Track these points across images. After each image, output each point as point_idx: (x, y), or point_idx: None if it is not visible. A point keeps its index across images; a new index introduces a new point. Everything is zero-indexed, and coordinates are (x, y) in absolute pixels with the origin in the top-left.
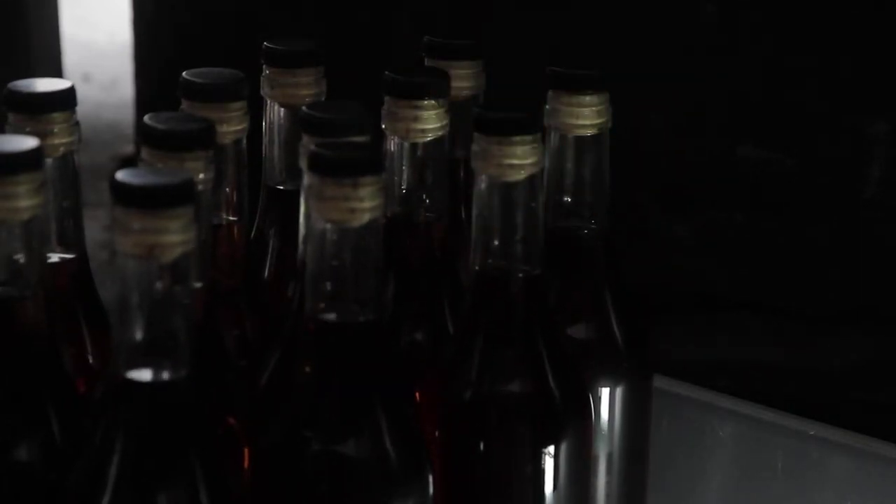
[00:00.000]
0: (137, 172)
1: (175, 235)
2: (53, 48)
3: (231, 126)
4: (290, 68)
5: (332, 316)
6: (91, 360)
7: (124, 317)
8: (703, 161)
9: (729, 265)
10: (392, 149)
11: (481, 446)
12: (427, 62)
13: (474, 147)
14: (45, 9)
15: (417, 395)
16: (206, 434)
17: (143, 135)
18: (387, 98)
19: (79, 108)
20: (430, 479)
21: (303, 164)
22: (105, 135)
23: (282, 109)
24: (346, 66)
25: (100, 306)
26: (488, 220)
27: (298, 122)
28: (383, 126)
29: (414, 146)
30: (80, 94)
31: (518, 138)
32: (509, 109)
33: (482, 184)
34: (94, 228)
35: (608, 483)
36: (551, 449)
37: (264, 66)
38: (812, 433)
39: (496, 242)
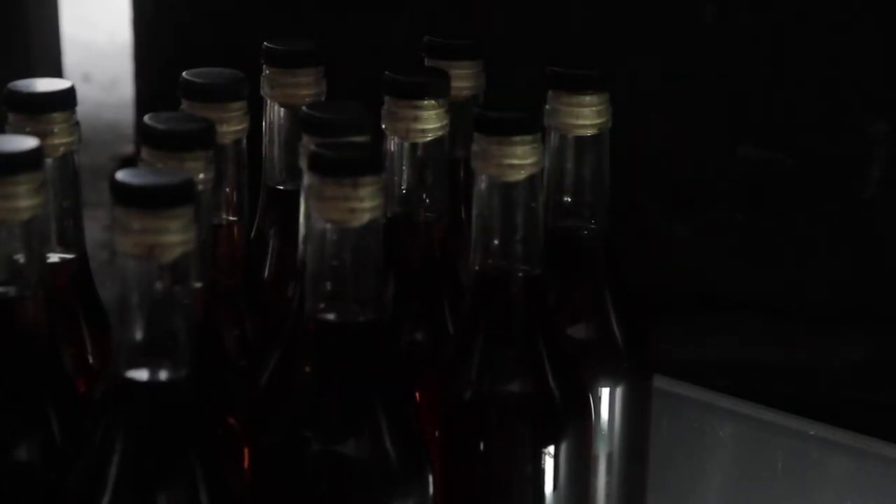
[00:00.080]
0: (137, 172)
1: (175, 235)
2: (53, 48)
3: (231, 126)
4: (290, 68)
5: (332, 316)
6: (91, 360)
7: (124, 317)
8: (703, 161)
9: (729, 265)
10: (392, 149)
11: (481, 446)
12: (427, 62)
13: (474, 147)
14: (45, 9)
15: (417, 395)
16: (206, 434)
17: (143, 135)
18: (387, 98)
19: (79, 108)
20: (430, 479)
21: (303, 164)
22: (105, 135)
23: (282, 109)
24: (346, 66)
25: (100, 306)
26: (488, 220)
27: (298, 122)
28: (383, 126)
29: (414, 146)
30: (80, 94)
31: (518, 138)
32: (509, 109)
33: (482, 184)
34: (94, 228)
35: (608, 483)
36: (551, 449)
37: (264, 66)
38: (812, 433)
39: (496, 242)
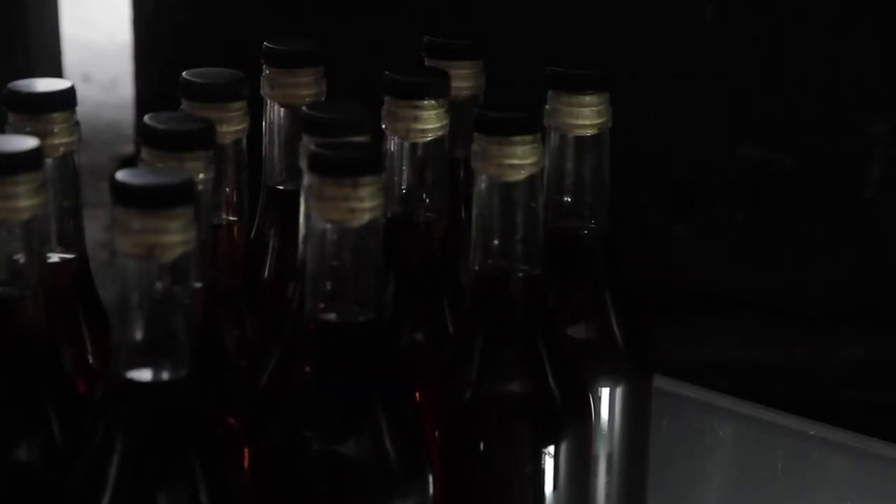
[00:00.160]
0: (137, 172)
1: (175, 235)
2: (53, 48)
3: (231, 126)
4: (290, 68)
5: (332, 316)
6: (91, 360)
7: (124, 317)
8: (703, 161)
9: (729, 265)
10: (392, 149)
11: (481, 446)
12: (427, 62)
13: (474, 147)
14: (45, 9)
15: (417, 395)
16: (206, 434)
17: (143, 135)
18: (387, 98)
19: (79, 108)
20: (430, 479)
21: (303, 164)
22: (105, 135)
23: (282, 109)
24: (346, 66)
25: (100, 306)
26: (488, 220)
27: (298, 122)
28: (383, 126)
29: (414, 146)
30: (80, 94)
31: (518, 138)
32: (509, 109)
33: (482, 184)
34: (94, 228)
35: (608, 483)
36: (551, 449)
37: (264, 66)
38: (812, 433)
39: (496, 242)
